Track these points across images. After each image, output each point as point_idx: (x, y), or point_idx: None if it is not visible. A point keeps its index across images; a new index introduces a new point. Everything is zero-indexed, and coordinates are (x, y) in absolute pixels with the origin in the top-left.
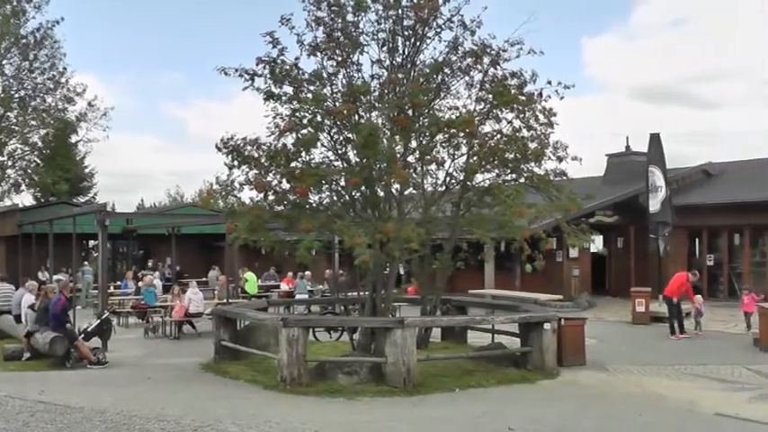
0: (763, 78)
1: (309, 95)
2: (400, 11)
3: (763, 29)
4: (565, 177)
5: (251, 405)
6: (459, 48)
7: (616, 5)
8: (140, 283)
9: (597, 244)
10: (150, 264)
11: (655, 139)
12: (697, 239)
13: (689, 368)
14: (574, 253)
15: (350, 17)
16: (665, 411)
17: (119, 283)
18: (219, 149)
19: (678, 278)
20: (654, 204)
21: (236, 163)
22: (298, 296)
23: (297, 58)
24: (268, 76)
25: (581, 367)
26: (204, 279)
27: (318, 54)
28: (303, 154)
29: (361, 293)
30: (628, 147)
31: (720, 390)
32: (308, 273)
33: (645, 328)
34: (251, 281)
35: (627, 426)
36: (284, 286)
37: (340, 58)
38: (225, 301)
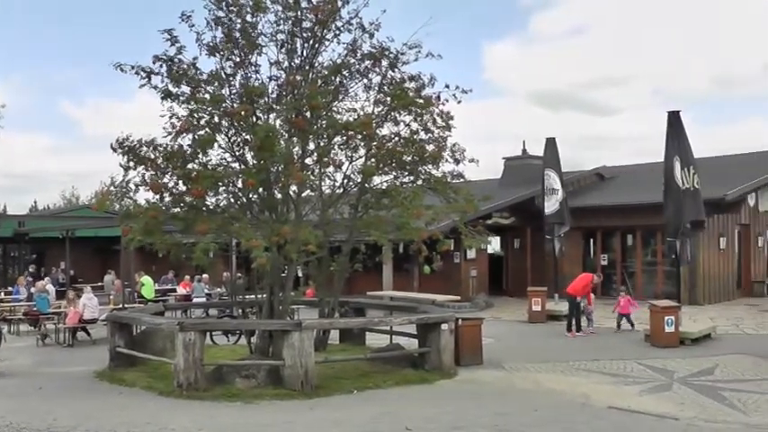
0: (655, 85)
1: (207, 96)
2: (299, 12)
3: (656, 38)
4: (462, 179)
5: (146, 413)
6: (358, 50)
7: (515, 12)
8: (33, 289)
9: (494, 245)
10: (31, 269)
11: (550, 143)
12: (591, 240)
13: (583, 364)
14: (471, 254)
15: (249, 18)
16: (560, 406)
17: (10, 288)
18: (115, 150)
19: (584, 278)
20: (549, 206)
21: (131, 164)
22: (195, 300)
23: (195, 58)
24: (165, 74)
25: (478, 366)
26: (100, 284)
27: (217, 54)
28: (200, 155)
29: (259, 296)
30: (524, 150)
31: (613, 384)
32: (205, 276)
33: (541, 327)
34: (147, 285)
35: (522, 421)
36: (181, 290)
37: (238, 59)
38: (120, 306)
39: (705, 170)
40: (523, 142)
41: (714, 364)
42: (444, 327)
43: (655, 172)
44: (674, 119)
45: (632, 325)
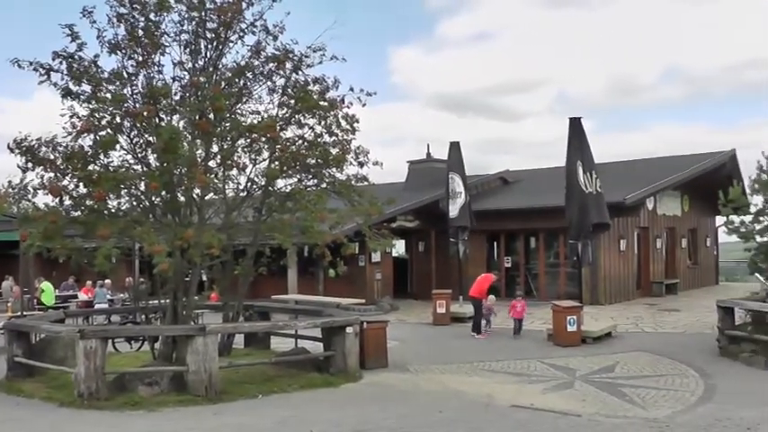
0: (559, 92)
1: (108, 95)
2: (203, 13)
3: (561, 45)
4: (366, 183)
5: (45, 425)
6: (262, 52)
7: (422, 17)
8: None
9: (399, 248)
10: None
11: (455, 147)
12: (495, 242)
13: (487, 364)
14: (376, 257)
15: (152, 16)
16: (464, 406)
17: None
18: (12, 150)
19: (486, 279)
20: (454, 209)
21: (30, 165)
22: (97, 306)
23: (96, 56)
24: (65, 72)
25: (383, 369)
26: None
27: (119, 52)
28: (101, 156)
29: (163, 301)
30: (429, 154)
31: (516, 383)
32: (107, 281)
33: (446, 329)
34: (47, 291)
35: (426, 422)
36: (83, 296)
37: (141, 58)
38: (19, 313)
39: (606, 175)
40: (428, 146)
41: (615, 361)
42: (349, 330)
43: (557, 176)
44: (576, 125)
45: (518, 331)
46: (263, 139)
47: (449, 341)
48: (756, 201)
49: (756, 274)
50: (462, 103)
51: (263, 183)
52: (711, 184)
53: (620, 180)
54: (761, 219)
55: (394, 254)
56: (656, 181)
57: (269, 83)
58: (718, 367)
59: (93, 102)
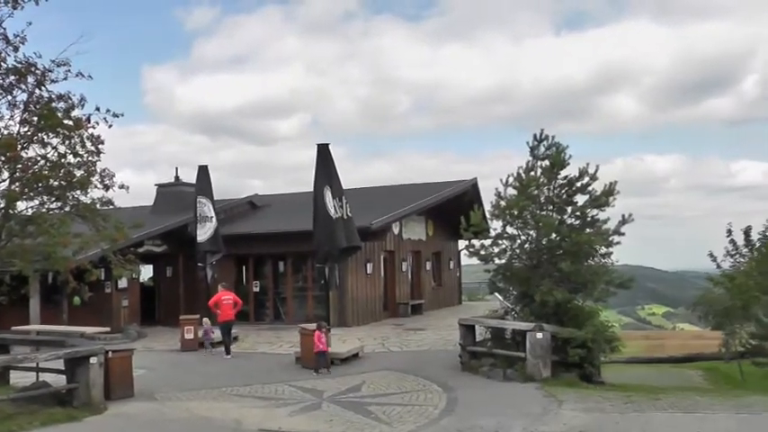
0: (313, 118)
1: None
2: None
3: (317, 73)
4: (112, 206)
5: None
6: (2, 63)
7: (178, 38)
8: None
9: (148, 273)
10: None
11: (203, 171)
12: (244, 267)
13: (236, 389)
14: (123, 283)
15: None
16: None
17: None
18: None
19: (235, 302)
20: (202, 234)
21: None
22: None
23: None
24: None
25: (130, 399)
26: None
27: None
28: None
29: None
30: (177, 177)
31: (264, 407)
32: None
33: (194, 355)
34: None
35: None
36: None
37: None
38: None
39: (354, 200)
40: (176, 169)
41: (361, 381)
42: (93, 360)
43: (306, 201)
44: (324, 151)
45: (317, 369)
46: (3, 158)
47: (197, 367)
48: (495, 225)
49: (495, 294)
50: (217, 127)
51: (2, 205)
52: (455, 209)
53: (367, 205)
54: (499, 242)
55: (142, 279)
56: (402, 207)
57: (9, 97)
58: (460, 381)
59: None
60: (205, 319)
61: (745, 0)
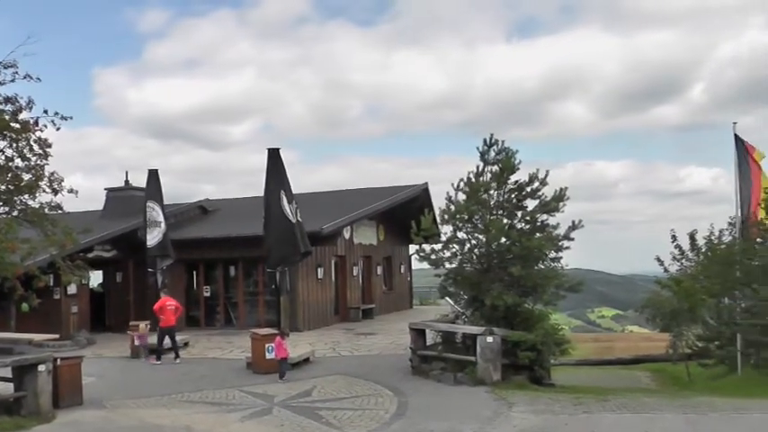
0: (266, 122)
1: None
2: None
3: (271, 78)
4: (61, 211)
5: None
6: None
7: (130, 39)
8: None
9: (98, 279)
10: None
11: (153, 175)
12: (195, 272)
13: (186, 396)
14: (72, 289)
15: None
16: None
17: None
18: None
19: (176, 308)
20: (152, 239)
21: None
22: None
23: None
24: None
25: (79, 407)
26: None
27: None
28: None
29: None
30: (127, 181)
31: (215, 413)
32: None
33: (144, 361)
34: None
35: None
36: None
37: None
38: None
39: (306, 204)
40: (126, 173)
41: (312, 385)
42: (41, 368)
43: (256, 205)
44: (274, 155)
45: (282, 375)
46: None
47: (147, 374)
48: (446, 230)
49: (446, 298)
50: (169, 130)
51: None
52: (406, 214)
53: (318, 210)
54: (449, 247)
55: (91, 285)
56: (354, 211)
57: None
58: (410, 385)
59: None
60: (141, 325)
61: (692, 10)
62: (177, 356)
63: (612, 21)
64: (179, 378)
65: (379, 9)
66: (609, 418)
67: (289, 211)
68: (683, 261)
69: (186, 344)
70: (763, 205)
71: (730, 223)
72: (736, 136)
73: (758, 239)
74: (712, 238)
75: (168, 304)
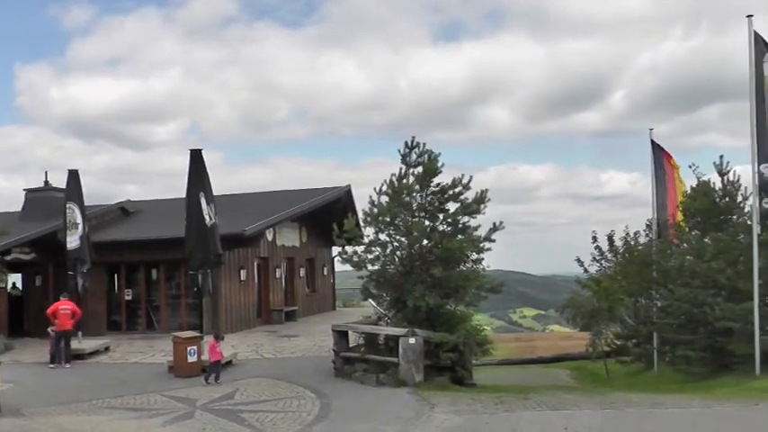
0: (192, 123)
1: None
2: None
3: (197, 78)
4: None
5: None
6: None
7: (54, 36)
8: None
9: (15, 282)
10: None
11: (73, 176)
12: (116, 275)
13: (107, 401)
14: None
15: None
16: None
17: None
18: None
19: (73, 312)
20: (72, 241)
21: None
22: None
23: None
24: None
25: None
26: None
27: None
28: None
29: None
30: (47, 182)
31: (137, 418)
32: None
33: (64, 367)
34: None
35: None
36: None
37: None
38: None
39: (228, 206)
40: (45, 173)
41: (235, 388)
42: None
43: (178, 207)
44: (197, 157)
45: (217, 377)
46: None
47: (67, 380)
48: (368, 232)
49: (369, 300)
50: (92, 130)
51: None
52: (328, 216)
53: (241, 211)
54: (372, 249)
55: (9, 289)
56: (276, 213)
57: None
58: (333, 387)
59: None
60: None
61: (615, 21)
62: (68, 362)
63: (538, 28)
64: (100, 384)
65: (306, 11)
66: (529, 415)
67: (206, 213)
68: (603, 262)
69: (107, 348)
70: (680, 208)
71: (647, 225)
72: (652, 142)
73: (674, 241)
74: (628, 239)
75: (62, 308)
